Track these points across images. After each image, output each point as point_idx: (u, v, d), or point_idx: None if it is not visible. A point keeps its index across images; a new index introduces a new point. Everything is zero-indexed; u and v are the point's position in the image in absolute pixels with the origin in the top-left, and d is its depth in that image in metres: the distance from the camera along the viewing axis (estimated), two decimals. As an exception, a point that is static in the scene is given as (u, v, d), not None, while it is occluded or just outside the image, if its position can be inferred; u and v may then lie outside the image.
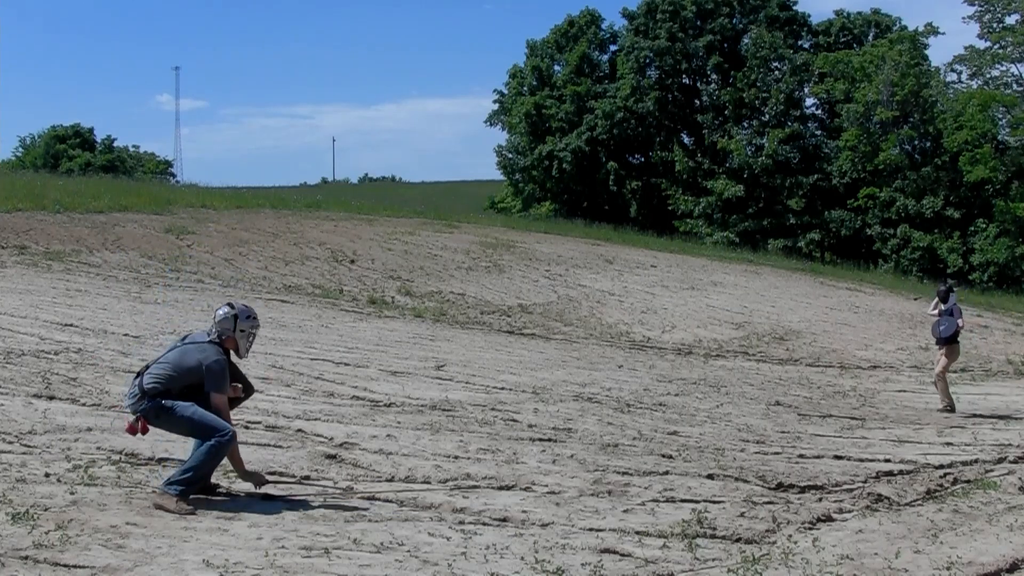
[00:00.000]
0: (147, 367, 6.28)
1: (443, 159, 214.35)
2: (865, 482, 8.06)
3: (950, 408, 12.40)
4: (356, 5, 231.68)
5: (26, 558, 5.02)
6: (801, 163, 45.38)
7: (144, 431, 6.18)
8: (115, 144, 69.19)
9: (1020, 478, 8.51)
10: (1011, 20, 42.31)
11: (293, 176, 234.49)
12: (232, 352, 6.39)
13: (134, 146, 71.45)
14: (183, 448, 7.31)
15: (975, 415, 12.22)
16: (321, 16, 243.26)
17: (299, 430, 8.29)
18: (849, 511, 7.17)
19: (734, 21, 48.72)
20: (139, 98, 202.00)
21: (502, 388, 11.34)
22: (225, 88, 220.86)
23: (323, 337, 13.80)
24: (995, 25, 42.66)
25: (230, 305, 6.47)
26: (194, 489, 6.06)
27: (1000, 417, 12.27)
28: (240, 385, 6.50)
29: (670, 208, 46.63)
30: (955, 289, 13.69)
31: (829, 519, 6.91)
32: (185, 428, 6.20)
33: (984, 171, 38.55)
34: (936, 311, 13.17)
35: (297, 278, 19.75)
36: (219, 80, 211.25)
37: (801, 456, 9.03)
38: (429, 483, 7.04)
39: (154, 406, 6.09)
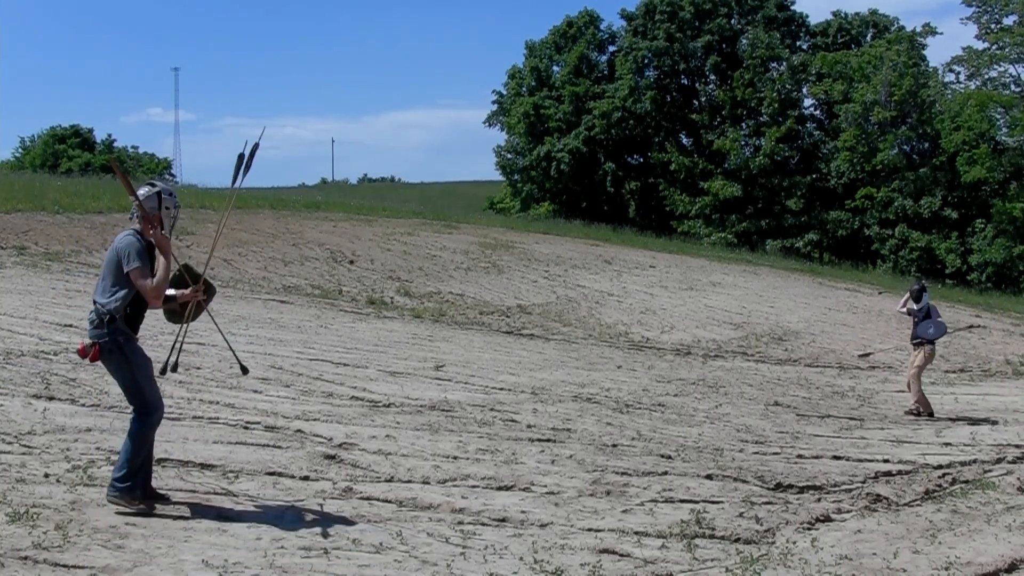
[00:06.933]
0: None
1: (442, 160, 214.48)
2: (864, 482, 8.08)
3: (924, 411, 12.13)
4: (354, 7, 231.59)
5: (26, 558, 5.03)
6: (799, 163, 45.45)
7: (93, 360, 5.87)
8: (115, 144, 69.21)
9: (1019, 478, 8.53)
10: (1009, 21, 42.41)
11: (292, 177, 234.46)
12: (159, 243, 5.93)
13: (133, 147, 71.45)
14: (182, 448, 7.32)
15: (950, 418, 12.09)
16: (321, 24, 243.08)
17: (298, 430, 8.29)
18: (848, 511, 7.19)
19: (732, 21, 48.78)
20: (134, 109, 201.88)
21: (501, 388, 11.34)
22: (215, 103, 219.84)
23: (322, 338, 13.80)
24: (993, 26, 42.74)
25: (151, 184, 6.11)
26: (138, 481, 5.86)
27: (977, 420, 12.26)
28: (200, 287, 6.18)
29: (668, 209, 46.69)
30: (927, 289, 13.51)
31: (828, 519, 6.92)
32: (123, 382, 5.90)
33: (981, 171, 38.63)
34: (905, 308, 13.19)
35: (296, 279, 19.76)
36: (210, 94, 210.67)
37: (800, 456, 9.05)
38: (428, 483, 7.05)
39: (112, 342, 5.78)
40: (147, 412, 5.86)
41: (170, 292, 6.13)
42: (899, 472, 8.56)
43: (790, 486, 7.74)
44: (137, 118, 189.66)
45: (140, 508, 5.79)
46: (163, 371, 6.25)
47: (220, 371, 10.52)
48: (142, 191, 6.03)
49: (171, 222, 6.05)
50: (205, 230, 22.56)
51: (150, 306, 5.94)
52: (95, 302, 5.90)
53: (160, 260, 5.81)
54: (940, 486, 8.16)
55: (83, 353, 5.91)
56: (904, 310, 13.31)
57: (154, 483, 6.31)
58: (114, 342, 5.80)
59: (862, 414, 12.15)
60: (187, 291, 6.18)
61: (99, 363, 5.94)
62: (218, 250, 21.21)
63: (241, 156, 6.41)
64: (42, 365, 9.80)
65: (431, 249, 24.78)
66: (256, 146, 6.46)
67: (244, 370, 6.87)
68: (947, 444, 10.26)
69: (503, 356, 14.09)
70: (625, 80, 47.73)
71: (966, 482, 8.37)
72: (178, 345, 6.34)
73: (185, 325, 6.34)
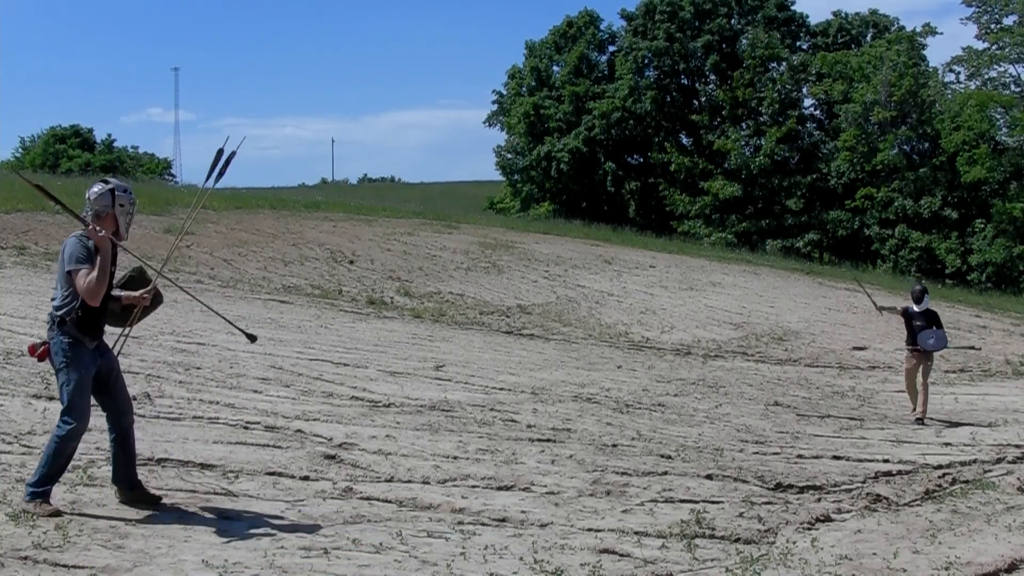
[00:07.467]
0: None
1: (442, 160, 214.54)
2: (864, 482, 8.08)
3: (913, 405, 12.09)
4: (354, 7, 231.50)
5: (26, 558, 5.03)
6: (799, 163, 45.48)
7: (40, 359, 5.83)
8: (115, 144, 69.20)
9: (1019, 478, 8.53)
10: (1009, 21, 42.42)
11: (292, 177, 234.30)
12: (114, 236, 5.80)
13: (133, 147, 71.45)
14: (182, 448, 7.33)
15: (947, 421, 12.02)
16: (321, 24, 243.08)
17: (298, 430, 8.29)
18: (848, 511, 7.19)
19: (732, 21, 48.81)
20: (134, 109, 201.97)
21: (501, 388, 11.34)
22: (215, 103, 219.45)
23: (322, 338, 13.80)
24: (993, 26, 42.75)
25: (104, 181, 5.92)
26: (50, 490, 5.75)
27: (961, 424, 12.21)
28: (149, 292, 6.04)
29: (668, 209, 46.71)
30: (928, 291, 12.95)
31: (828, 519, 6.92)
32: (59, 383, 5.82)
33: (981, 171, 38.65)
34: (899, 309, 12.60)
35: (296, 279, 19.75)
36: (210, 94, 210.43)
37: (800, 456, 9.05)
38: (428, 483, 7.05)
39: (57, 343, 5.71)
40: (69, 419, 5.67)
41: (116, 293, 6.03)
42: (899, 472, 8.56)
43: (790, 486, 7.74)
44: (137, 118, 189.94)
45: (53, 511, 5.64)
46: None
47: (220, 371, 10.53)
48: (95, 189, 5.87)
49: (127, 219, 5.88)
50: (205, 230, 22.57)
51: (93, 304, 5.69)
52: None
53: (98, 259, 5.61)
54: (940, 486, 8.16)
55: (32, 351, 5.86)
56: (897, 310, 12.69)
57: (154, 483, 6.32)
58: (59, 344, 5.71)
59: (862, 414, 12.15)
60: (134, 293, 6.05)
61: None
62: (218, 250, 21.27)
63: (220, 151, 6.43)
64: (42, 365, 9.76)
65: (431, 249, 24.78)
66: (232, 153, 6.48)
67: (251, 338, 6.75)
68: (947, 444, 10.26)
69: (503, 356, 14.09)
70: (625, 80, 47.75)
71: (966, 482, 8.37)
72: (118, 347, 6.24)
73: (126, 329, 6.24)
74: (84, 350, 5.73)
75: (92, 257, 5.63)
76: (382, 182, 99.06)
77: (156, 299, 6.18)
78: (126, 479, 5.98)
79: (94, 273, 5.58)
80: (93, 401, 5.86)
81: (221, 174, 6.49)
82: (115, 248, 5.82)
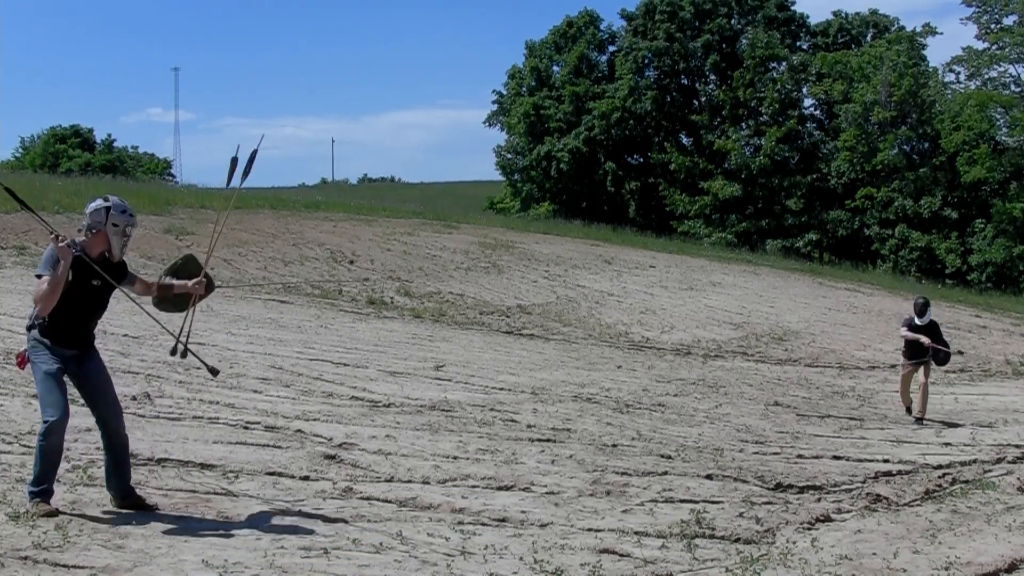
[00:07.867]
0: None
1: (442, 160, 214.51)
2: (864, 482, 8.09)
3: (904, 404, 12.31)
4: (354, 7, 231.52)
5: (26, 558, 5.03)
6: (799, 163, 45.47)
7: (22, 367, 5.91)
8: (115, 144, 69.15)
9: (1019, 478, 8.54)
10: (1009, 21, 42.40)
11: (292, 177, 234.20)
12: (108, 252, 5.85)
13: (133, 147, 71.37)
14: (182, 448, 7.33)
15: (950, 422, 12.00)
16: (321, 24, 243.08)
17: (298, 430, 8.29)
18: (848, 511, 7.20)
19: (732, 21, 48.81)
20: (134, 109, 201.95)
21: (501, 388, 11.34)
22: (215, 102, 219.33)
23: (322, 338, 13.80)
24: (993, 26, 42.74)
25: (105, 198, 5.88)
26: (47, 489, 5.71)
27: (955, 424, 12.15)
28: (202, 280, 6.15)
29: (668, 209, 46.71)
30: (930, 304, 12.88)
31: (828, 519, 6.93)
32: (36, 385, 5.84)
33: (981, 171, 38.64)
34: (905, 327, 12.49)
35: (296, 279, 19.75)
36: (210, 94, 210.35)
37: (800, 456, 9.05)
38: (428, 483, 7.05)
39: (29, 347, 5.79)
40: (44, 416, 5.66)
41: (170, 281, 6.21)
42: (899, 472, 8.57)
43: (790, 486, 7.74)
44: (137, 118, 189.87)
45: (49, 511, 5.62)
46: (173, 352, 6.38)
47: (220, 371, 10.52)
48: (93, 203, 5.87)
49: (121, 239, 5.84)
50: (205, 230, 22.53)
51: (40, 313, 5.68)
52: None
53: (58, 269, 5.57)
54: (940, 486, 8.16)
55: (19, 361, 5.94)
56: (909, 334, 12.46)
57: (154, 483, 6.31)
58: (28, 347, 5.79)
59: (862, 414, 12.15)
60: (189, 283, 6.19)
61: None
62: (218, 250, 21.24)
63: (234, 160, 6.46)
64: (42, 365, 9.79)
65: (431, 249, 24.78)
66: (254, 152, 6.54)
67: (213, 372, 6.75)
68: (947, 444, 10.26)
69: (503, 356, 14.09)
70: (625, 80, 47.74)
71: (966, 482, 8.38)
72: (186, 328, 6.32)
73: (189, 313, 6.37)
74: (46, 355, 5.75)
75: (57, 265, 5.61)
76: (382, 182, 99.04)
77: (209, 286, 6.36)
78: (117, 488, 5.95)
79: (45, 284, 5.58)
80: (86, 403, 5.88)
81: (246, 174, 6.56)
82: (88, 265, 5.74)
